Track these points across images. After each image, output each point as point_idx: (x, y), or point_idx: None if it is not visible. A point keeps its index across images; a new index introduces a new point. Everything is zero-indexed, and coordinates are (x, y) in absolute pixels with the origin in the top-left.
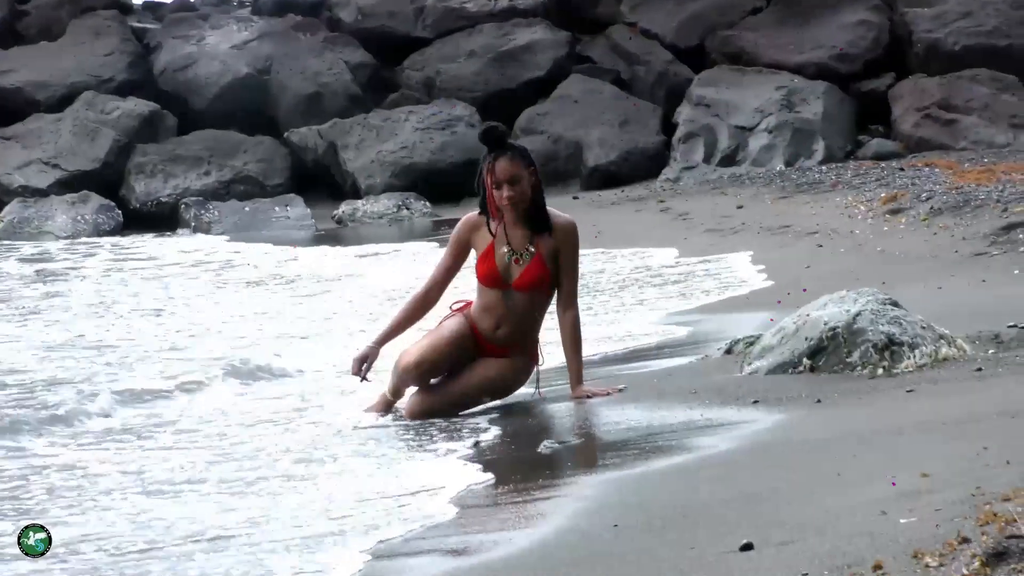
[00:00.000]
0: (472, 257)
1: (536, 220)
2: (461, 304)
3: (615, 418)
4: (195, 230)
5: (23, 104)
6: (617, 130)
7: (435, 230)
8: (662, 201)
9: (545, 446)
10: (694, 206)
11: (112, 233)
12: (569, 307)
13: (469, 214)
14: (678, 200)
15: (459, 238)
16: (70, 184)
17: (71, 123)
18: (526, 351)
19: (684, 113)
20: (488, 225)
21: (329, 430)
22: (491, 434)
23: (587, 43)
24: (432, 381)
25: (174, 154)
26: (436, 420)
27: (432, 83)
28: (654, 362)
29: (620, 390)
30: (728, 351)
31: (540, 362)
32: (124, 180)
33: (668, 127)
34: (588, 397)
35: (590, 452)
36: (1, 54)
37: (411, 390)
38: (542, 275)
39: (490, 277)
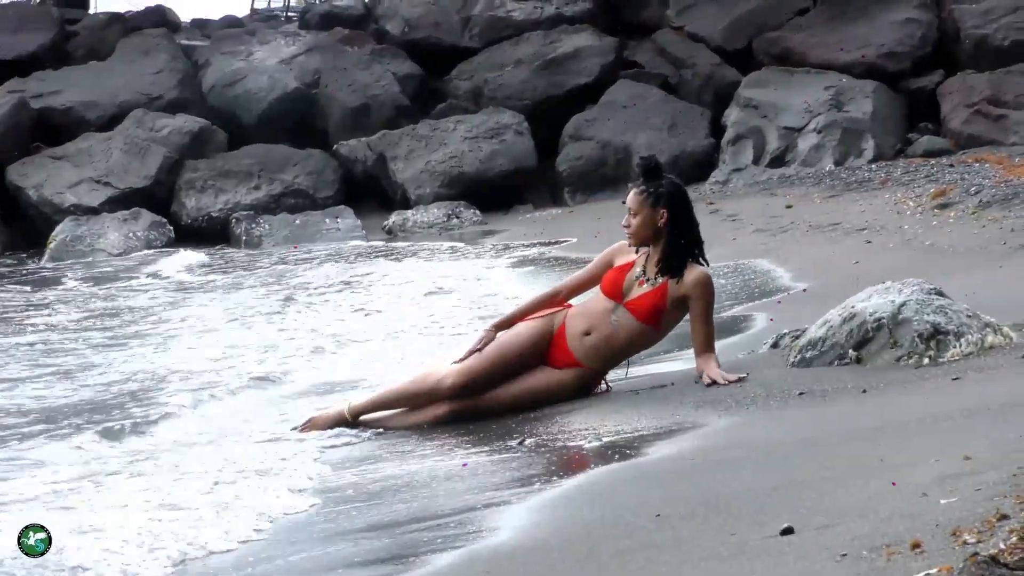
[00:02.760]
0: None
1: (666, 263)
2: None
3: (659, 411)
4: (246, 244)
5: (73, 123)
6: (665, 134)
7: (485, 238)
8: (711, 203)
9: (594, 437)
10: (743, 207)
11: (165, 249)
12: (705, 354)
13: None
14: (727, 202)
15: (605, 256)
16: (121, 201)
17: (121, 141)
18: (589, 374)
19: (732, 115)
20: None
21: None
22: (534, 429)
23: (634, 48)
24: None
25: (224, 169)
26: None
27: (480, 92)
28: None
29: (743, 378)
30: (774, 345)
31: (603, 388)
32: (175, 196)
33: (717, 130)
34: (713, 382)
35: (633, 444)
36: (51, 74)
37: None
38: (657, 306)
39: (612, 286)
